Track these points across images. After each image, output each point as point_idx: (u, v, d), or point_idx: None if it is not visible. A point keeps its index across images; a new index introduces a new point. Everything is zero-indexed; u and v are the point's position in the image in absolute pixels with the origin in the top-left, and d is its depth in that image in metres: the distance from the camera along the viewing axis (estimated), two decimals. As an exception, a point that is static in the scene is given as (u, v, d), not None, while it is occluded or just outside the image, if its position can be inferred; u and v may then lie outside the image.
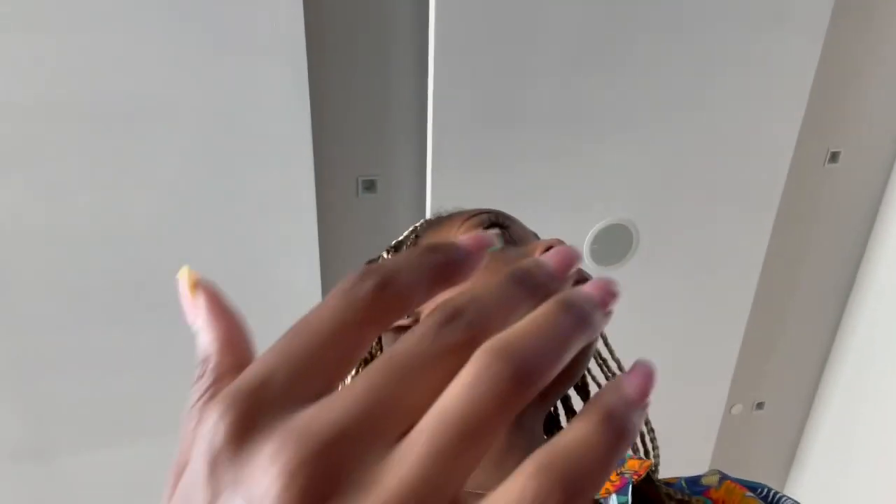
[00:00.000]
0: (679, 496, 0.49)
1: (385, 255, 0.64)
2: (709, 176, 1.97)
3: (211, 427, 0.17)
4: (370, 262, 0.59)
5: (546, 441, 0.19)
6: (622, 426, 0.17)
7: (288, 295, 1.75)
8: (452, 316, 0.18)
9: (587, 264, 1.97)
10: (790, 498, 0.52)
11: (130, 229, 1.62)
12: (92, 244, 1.61)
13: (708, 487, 0.52)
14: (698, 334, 2.21)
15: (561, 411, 0.67)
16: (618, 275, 2.03)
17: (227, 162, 1.62)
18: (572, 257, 0.21)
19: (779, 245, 2.17)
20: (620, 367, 0.62)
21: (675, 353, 2.22)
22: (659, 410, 0.64)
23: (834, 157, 2.13)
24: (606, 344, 0.63)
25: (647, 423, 0.60)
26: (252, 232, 1.69)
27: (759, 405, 2.55)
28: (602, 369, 0.63)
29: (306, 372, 0.18)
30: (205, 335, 0.22)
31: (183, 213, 1.64)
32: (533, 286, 0.20)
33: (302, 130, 1.63)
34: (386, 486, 0.16)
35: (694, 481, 0.53)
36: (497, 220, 0.62)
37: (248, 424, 0.17)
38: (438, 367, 0.18)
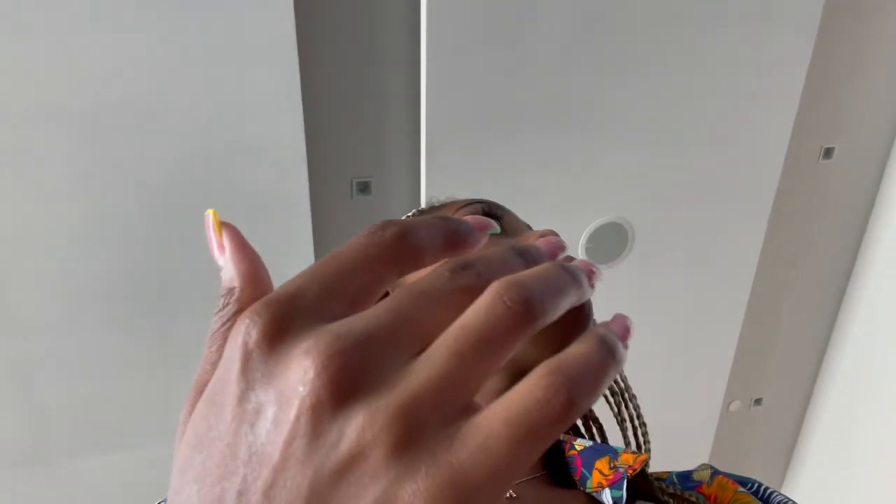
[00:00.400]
0: (672, 490, 0.49)
1: None
2: (703, 173, 1.97)
3: (244, 329, 0.19)
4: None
5: None
6: (614, 350, 0.20)
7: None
8: (463, 266, 0.21)
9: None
10: (780, 493, 0.53)
11: (126, 232, 1.62)
12: (89, 247, 1.61)
13: (700, 483, 0.52)
14: (695, 332, 2.21)
15: None
16: (613, 273, 2.03)
17: (221, 165, 1.62)
18: (560, 246, 0.24)
19: (774, 242, 2.18)
20: None
21: (671, 351, 2.22)
22: (657, 407, 0.64)
23: (828, 153, 2.13)
24: None
25: (640, 416, 0.61)
26: (247, 235, 1.68)
27: (757, 402, 2.55)
28: None
29: (334, 292, 0.20)
30: (229, 269, 0.24)
31: (178, 215, 1.64)
32: (530, 258, 0.22)
33: (295, 133, 1.63)
34: (411, 381, 0.18)
35: (685, 476, 0.53)
36: (490, 211, 0.63)
37: (281, 326, 0.19)
38: (453, 301, 0.20)
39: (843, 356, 2.42)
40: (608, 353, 0.19)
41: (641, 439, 0.61)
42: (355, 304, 0.20)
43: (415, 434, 0.17)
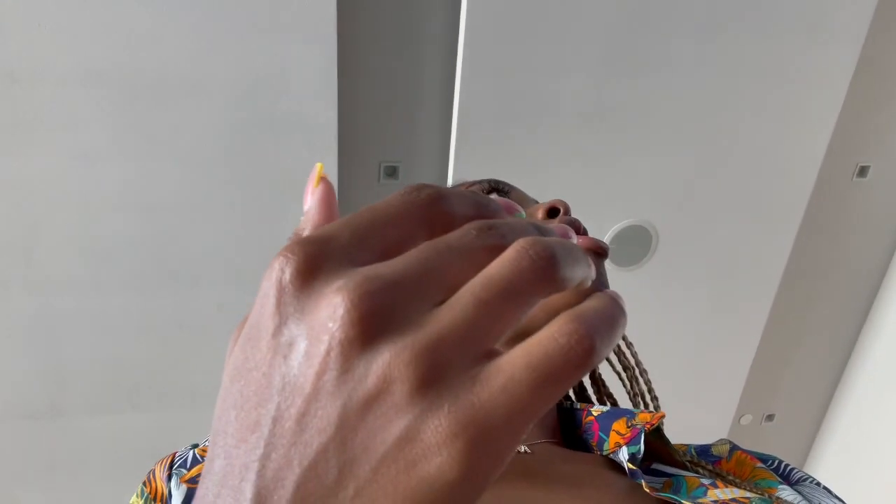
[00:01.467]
0: (689, 458, 0.49)
1: None
2: (733, 183, 1.95)
3: (278, 267, 0.20)
4: None
5: None
6: (622, 307, 0.21)
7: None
8: (489, 227, 0.22)
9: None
10: (801, 470, 0.52)
11: (156, 200, 1.64)
12: (118, 212, 1.64)
13: (719, 458, 0.52)
14: (712, 342, 2.19)
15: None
16: (635, 277, 2.02)
17: (253, 141, 1.63)
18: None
19: (800, 257, 2.15)
20: (627, 344, 0.65)
21: (687, 360, 2.20)
22: (668, 414, 0.64)
23: (863, 171, 2.10)
24: None
25: (651, 390, 0.64)
26: (273, 212, 1.70)
27: (769, 417, 2.53)
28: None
29: (367, 241, 0.21)
30: (307, 218, 0.25)
31: (207, 188, 1.65)
32: (545, 234, 0.23)
33: (328, 114, 1.63)
34: (436, 324, 0.19)
35: (704, 450, 0.53)
36: (496, 187, 0.65)
37: (314, 265, 0.20)
38: (478, 257, 0.21)
39: (860, 378, 2.38)
40: (619, 308, 0.21)
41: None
42: (385, 255, 0.21)
43: (438, 373, 0.18)
